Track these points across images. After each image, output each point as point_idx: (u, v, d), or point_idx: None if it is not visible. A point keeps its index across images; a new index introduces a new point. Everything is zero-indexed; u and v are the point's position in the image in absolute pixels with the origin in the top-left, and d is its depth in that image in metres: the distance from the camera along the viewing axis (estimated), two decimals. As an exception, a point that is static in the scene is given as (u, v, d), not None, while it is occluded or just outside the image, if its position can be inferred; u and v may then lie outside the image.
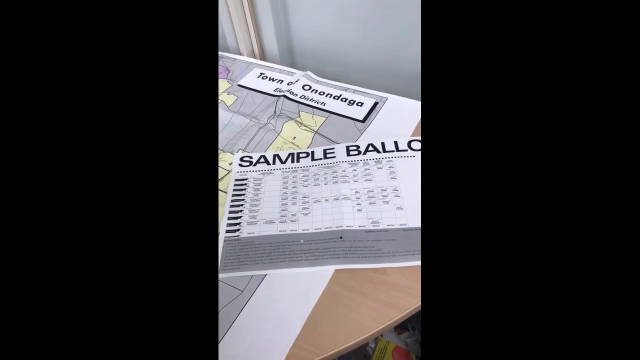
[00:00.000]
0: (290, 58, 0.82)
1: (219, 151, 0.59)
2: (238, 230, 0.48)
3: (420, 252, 0.43)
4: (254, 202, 0.51)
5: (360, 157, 0.55)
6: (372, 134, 0.59)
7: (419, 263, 0.42)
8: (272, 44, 0.77)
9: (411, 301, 0.40)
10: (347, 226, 0.47)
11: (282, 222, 0.48)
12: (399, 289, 0.41)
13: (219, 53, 0.80)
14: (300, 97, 0.67)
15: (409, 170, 0.52)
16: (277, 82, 0.72)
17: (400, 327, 0.82)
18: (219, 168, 0.56)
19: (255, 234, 0.47)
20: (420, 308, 0.40)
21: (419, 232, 0.45)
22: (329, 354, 0.37)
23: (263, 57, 0.80)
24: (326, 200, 0.50)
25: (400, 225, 0.46)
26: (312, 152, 0.57)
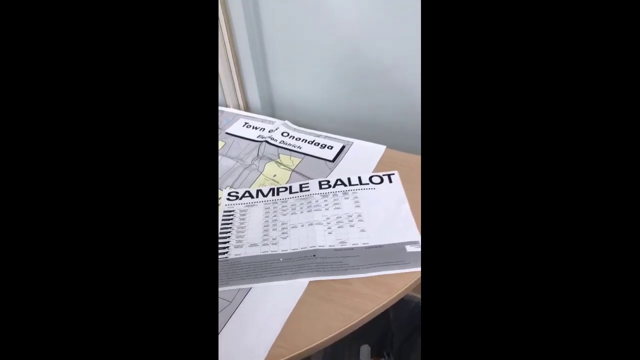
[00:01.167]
0: (271, 109, 0.94)
1: (209, 188, 0.68)
2: (226, 252, 0.56)
3: (378, 265, 0.52)
4: (240, 229, 0.60)
5: (330, 189, 0.65)
6: (340, 171, 0.70)
7: (378, 274, 0.51)
8: (254, 98, 0.90)
9: (371, 305, 0.48)
10: (320, 246, 0.55)
11: (264, 244, 0.57)
12: (361, 295, 0.49)
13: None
14: (279, 142, 0.78)
15: (370, 200, 0.62)
16: (260, 130, 0.83)
17: (377, 355, 0.88)
18: (209, 202, 0.65)
19: (242, 255, 0.55)
20: (377, 312, 0.49)
21: (379, 249, 0.54)
22: (302, 350, 0.45)
23: (247, 108, 0.93)
24: (302, 226, 0.59)
25: (363, 244, 0.55)
26: (290, 187, 0.67)
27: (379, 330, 0.94)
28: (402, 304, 0.88)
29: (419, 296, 0.88)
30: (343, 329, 0.46)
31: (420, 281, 0.51)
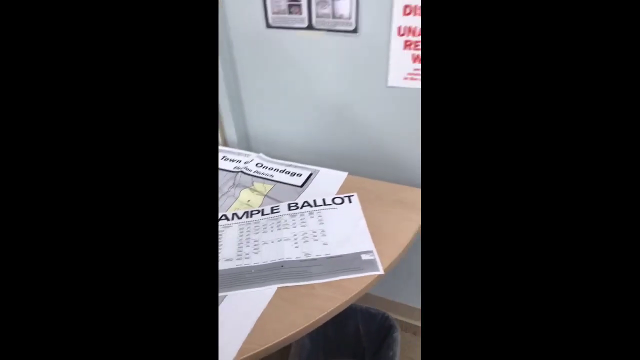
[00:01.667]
0: (247, 143, 1.05)
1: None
2: (204, 267, 0.63)
3: (337, 271, 0.60)
4: (217, 247, 0.67)
5: (298, 210, 0.74)
6: (307, 195, 0.79)
7: (337, 279, 0.59)
8: (232, 134, 1.00)
9: (330, 305, 0.56)
10: (287, 258, 0.63)
11: (238, 259, 0.64)
12: (323, 298, 0.57)
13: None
14: (254, 172, 0.87)
15: (332, 218, 0.72)
16: (236, 162, 0.92)
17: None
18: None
19: (218, 268, 0.62)
20: (336, 311, 0.56)
21: (339, 258, 0.63)
22: (270, 344, 0.51)
23: (225, 144, 1.03)
24: (272, 242, 0.67)
25: (325, 254, 0.64)
26: (262, 210, 0.75)
27: (352, 345, 0.99)
28: (369, 317, 0.94)
29: (385, 311, 0.95)
30: (306, 325, 0.54)
31: (372, 283, 0.60)
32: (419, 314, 1.09)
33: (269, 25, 0.80)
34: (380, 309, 0.94)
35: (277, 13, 0.78)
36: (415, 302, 1.08)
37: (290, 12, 0.76)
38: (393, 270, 0.63)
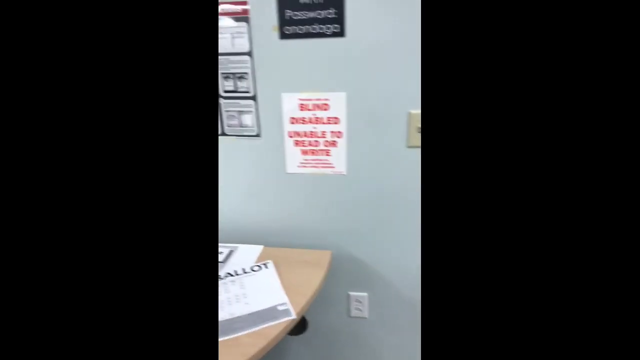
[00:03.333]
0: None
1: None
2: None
3: (258, 323, 0.73)
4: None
5: (222, 281, 0.87)
6: (229, 266, 0.92)
7: (258, 328, 0.72)
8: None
9: (253, 349, 0.68)
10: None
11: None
12: (247, 345, 0.69)
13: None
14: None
15: (251, 283, 0.86)
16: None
17: None
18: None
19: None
20: (259, 354, 0.68)
21: (258, 312, 0.76)
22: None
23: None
24: (200, 310, 0.78)
25: (248, 312, 0.77)
26: (189, 285, 0.86)
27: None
28: None
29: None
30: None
31: (287, 327, 0.74)
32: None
33: (188, 134, 1.01)
34: None
35: (195, 125, 0.99)
36: None
37: (205, 124, 0.99)
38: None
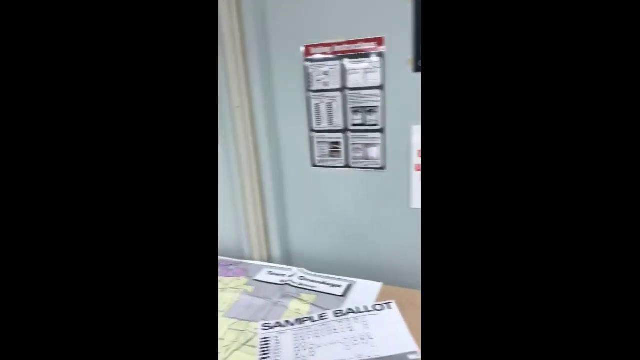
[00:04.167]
0: (287, 259, 1.18)
1: (249, 322, 0.85)
2: (268, 368, 0.70)
3: (389, 370, 0.67)
4: (276, 351, 0.75)
5: (344, 317, 0.83)
6: (349, 302, 0.89)
7: (389, 377, 0.66)
8: (276, 251, 1.15)
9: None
10: (342, 359, 0.71)
11: (297, 361, 0.72)
12: (379, 395, 0.63)
13: (242, 260, 1.16)
14: (298, 284, 0.99)
15: (375, 322, 0.81)
16: (281, 275, 1.05)
17: None
18: (250, 333, 0.81)
19: (281, 370, 0.69)
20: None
21: (389, 358, 0.70)
22: None
23: (270, 260, 1.17)
24: (325, 345, 0.75)
25: (376, 356, 0.71)
26: (312, 317, 0.85)
27: None
28: None
29: None
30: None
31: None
32: None
33: (314, 165, 1.04)
34: None
35: (322, 157, 1.02)
36: None
37: (331, 156, 1.01)
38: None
